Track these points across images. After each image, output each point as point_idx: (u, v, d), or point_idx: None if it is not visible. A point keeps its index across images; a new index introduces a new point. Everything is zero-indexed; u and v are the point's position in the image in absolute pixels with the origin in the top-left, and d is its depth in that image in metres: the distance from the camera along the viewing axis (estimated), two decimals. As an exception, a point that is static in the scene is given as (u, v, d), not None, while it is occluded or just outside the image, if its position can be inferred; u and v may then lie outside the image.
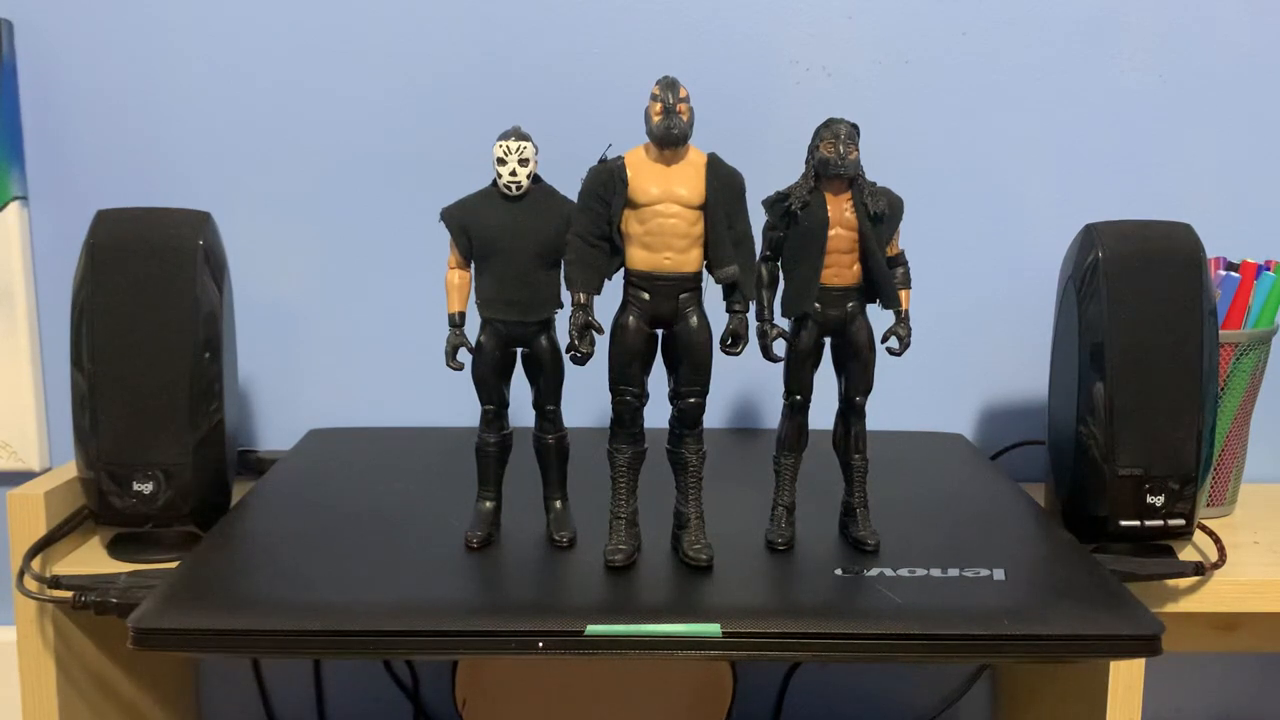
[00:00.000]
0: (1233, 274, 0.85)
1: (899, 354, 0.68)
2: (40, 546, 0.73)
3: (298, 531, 0.72)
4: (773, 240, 0.67)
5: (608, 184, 0.63)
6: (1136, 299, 0.74)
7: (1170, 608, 0.75)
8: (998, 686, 1.02)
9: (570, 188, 0.65)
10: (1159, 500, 0.74)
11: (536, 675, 0.87)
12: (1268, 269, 0.85)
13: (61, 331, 0.82)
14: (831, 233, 0.65)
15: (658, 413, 0.67)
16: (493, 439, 0.70)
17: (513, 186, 0.65)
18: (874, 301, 0.67)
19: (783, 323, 0.68)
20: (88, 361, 0.72)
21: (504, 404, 0.70)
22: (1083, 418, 0.75)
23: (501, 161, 0.65)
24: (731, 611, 0.61)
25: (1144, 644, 0.61)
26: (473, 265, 0.67)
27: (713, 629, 0.60)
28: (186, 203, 0.79)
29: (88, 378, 0.72)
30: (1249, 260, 0.86)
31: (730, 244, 0.63)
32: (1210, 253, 0.78)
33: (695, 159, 0.63)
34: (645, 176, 0.63)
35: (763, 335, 0.67)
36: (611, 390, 0.65)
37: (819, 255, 0.65)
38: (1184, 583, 0.75)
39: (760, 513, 0.71)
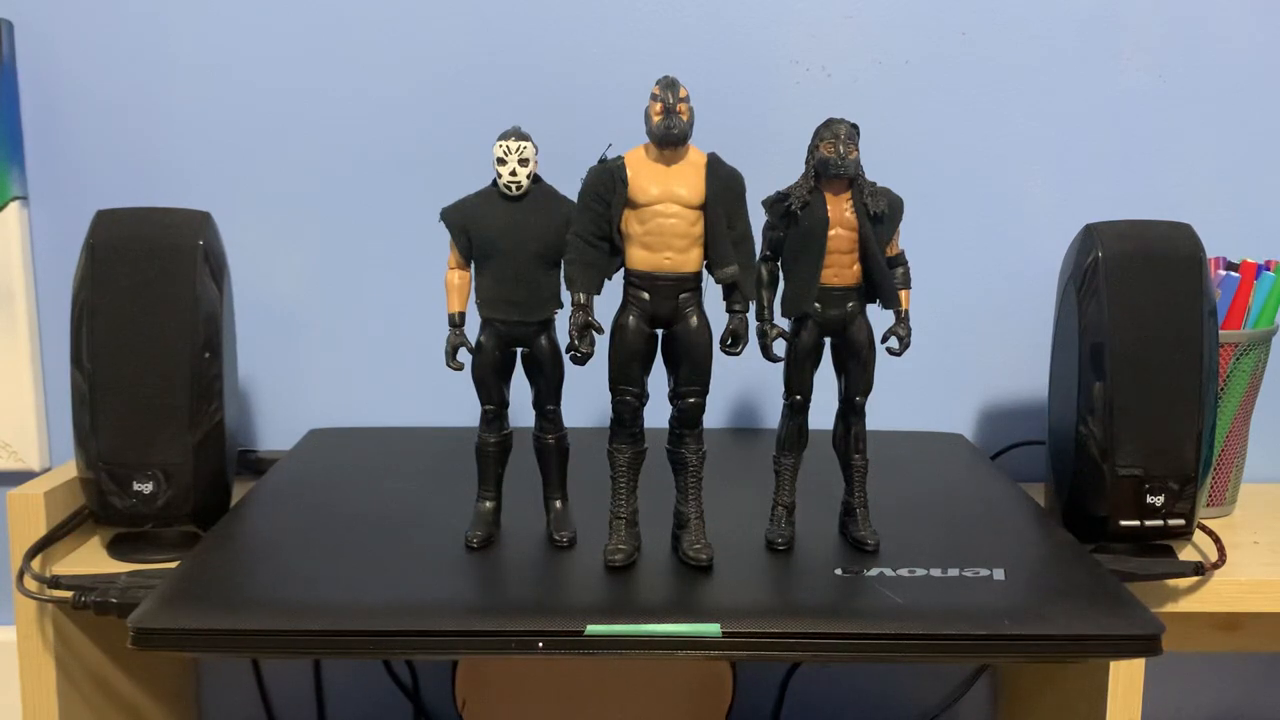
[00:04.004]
0: (1233, 274, 0.85)
1: (899, 354, 0.68)
2: (40, 546, 0.73)
3: (298, 531, 0.72)
4: (773, 240, 0.67)
5: (608, 184, 0.63)
6: (1136, 299, 0.74)
7: (1170, 608, 0.75)
8: (998, 686, 1.02)
9: (570, 188, 0.66)
10: (1159, 500, 0.74)
11: (536, 675, 0.87)
12: (1268, 269, 0.85)
13: (61, 331, 0.82)
14: (831, 233, 0.65)
15: (658, 413, 0.67)
16: (493, 439, 0.70)
17: (513, 186, 0.65)
18: (874, 301, 0.67)
19: (783, 323, 0.68)
20: (88, 361, 0.72)
21: (504, 404, 0.70)
22: (1083, 418, 0.75)
23: (501, 161, 0.65)
24: (731, 611, 0.61)
25: (1144, 644, 0.61)
26: (473, 265, 0.67)
27: (713, 629, 0.60)
28: (186, 203, 0.79)
29: (88, 378, 0.72)
30: (1249, 260, 0.86)
31: (730, 244, 0.63)
32: (1210, 253, 0.78)
33: (695, 159, 0.63)
34: (645, 176, 0.63)
35: (763, 335, 0.67)
36: (611, 390, 0.65)
37: (819, 255, 0.65)
38: (1184, 583, 0.75)
39: (760, 513, 0.71)
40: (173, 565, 0.68)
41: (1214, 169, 0.97)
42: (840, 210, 0.65)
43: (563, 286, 0.65)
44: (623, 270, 0.64)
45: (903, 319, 0.67)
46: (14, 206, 0.94)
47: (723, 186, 0.63)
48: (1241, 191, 0.98)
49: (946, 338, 0.99)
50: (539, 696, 0.87)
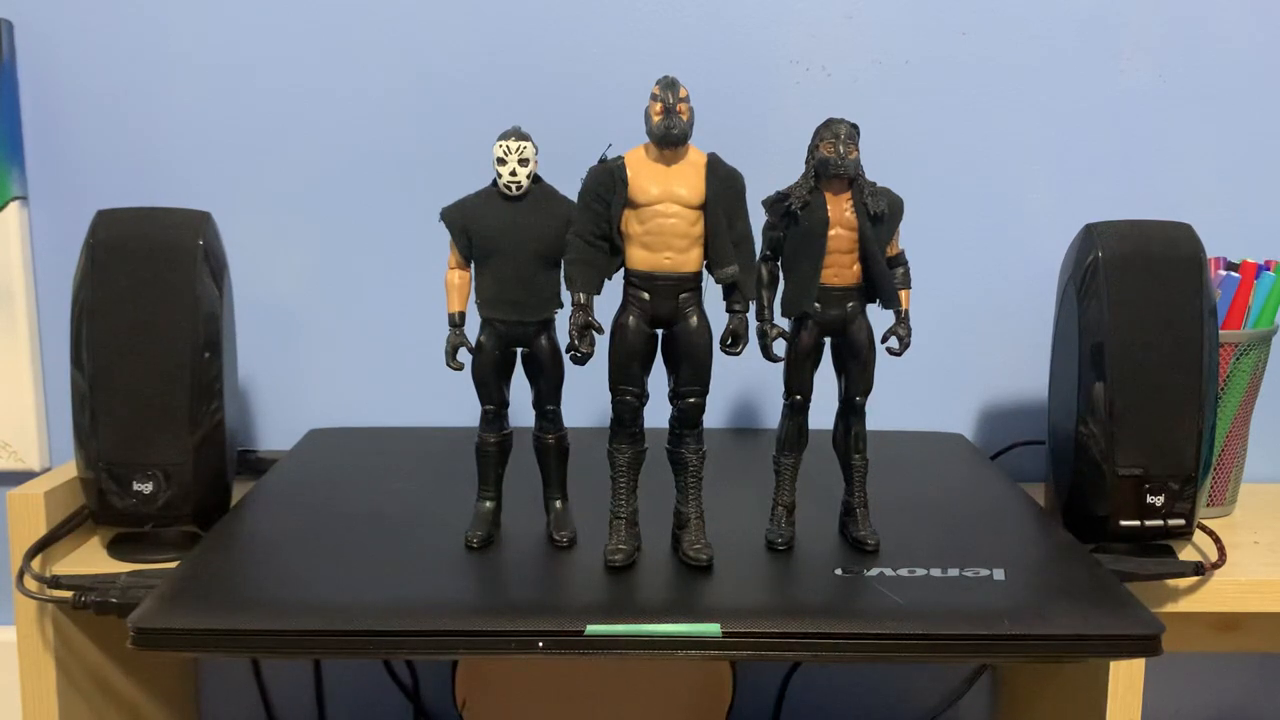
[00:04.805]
0: (1233, 274, 0.85)
1: (899, 354, 0.68)
2: (40, 546, 0.73)
3: (298, 531, 0.72)
4: (773, 240, 0.67)
5: (608, 184, 0.63)
6: (1136, 299, 0.74)
7: (1170, 608, 0.75)
8: (998, 686, 1.02)
9: (570, 188, 0.66)
10: (1159, 500, 0.74)
11: (536, 675, 0.87)
12: (1268, 269, 0.85)
13: (61, 331, 0.82)
14: (831, 233, 0.65)
15: (658, 413, 0.67)
16: (493, 439, 0.70)
17: (513, 186, 0.65)
18: (874, 301, 0.67)
19: (783, 323, 0.68)
20: (88, 361, 0.72)
21: (504, 404, 0.70)
22: (1083, 418, 0.75)
23: (501, 161, 0.65)
24: (731, 611, 0.61)
25: (1144, 644, 0.61)
26: (473, 265, 0.67)
27: (713, 629, 0.60)
28: (186, 203, 0.79)
29: (88, 378, 0.72)
30: (1249, 260, 0.86)
31: (730, 244, 0.63)
32: (1210, 253, 0.78)
33: (695, 159, 0.63)
34: (645, 176, 0.63)
35: (763, 335, 0.67)
36: (611, 390, 0.65)
37: (819, 255, 0.65)
38: (1184, 583, 0.75)
39: (760, 513, 0.71)
40: (173, 565, 0.68)
41: (1214, 169, 0.97)
42: (840, 210, 0.65)
43: (563, 286, 0.66)
44: (623, 270, 0.64)
45: (903, 319, 0.67)
46: (14, 206, 0.94)
47: (723, 186, 0.63)
48: (1241, 191, 0.98)
49: (946, 338, 0.99)
50: (539, 696, 0.87)
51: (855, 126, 0.65)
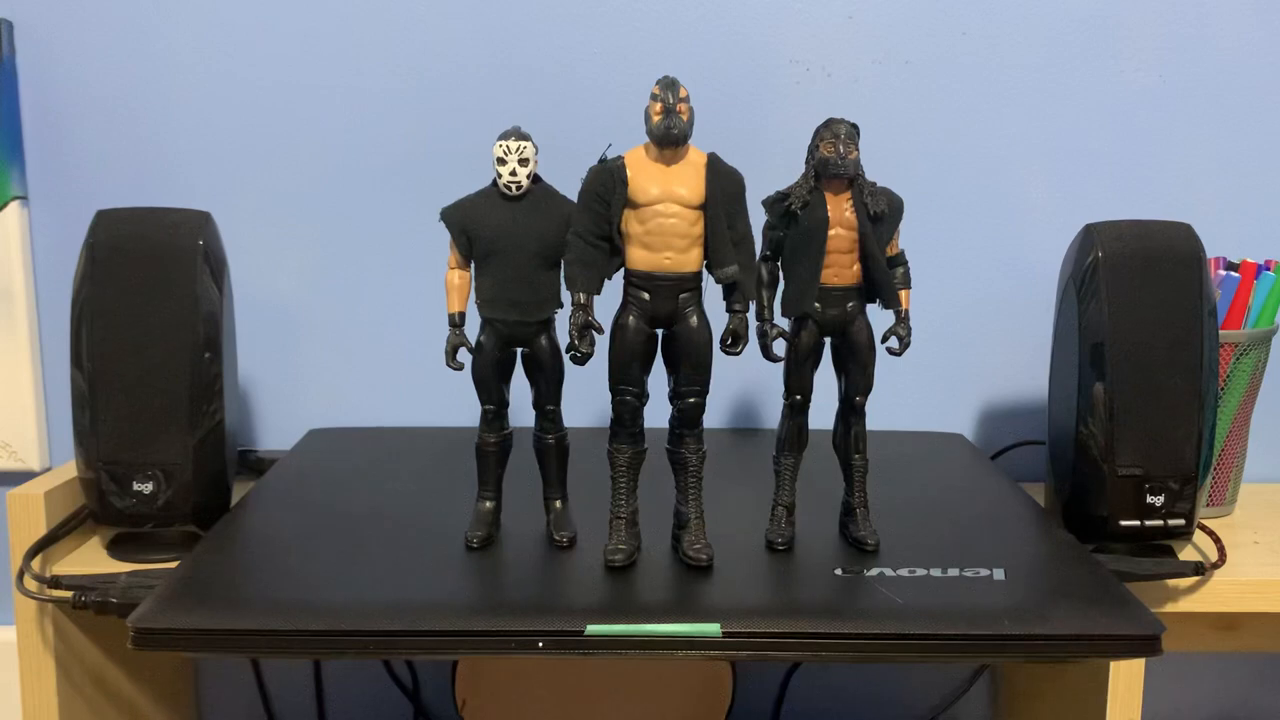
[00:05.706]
0: (1233, 274, 0.85)
1: (899, 354, 0.68)
2: (40, 546, 0.73)
3: (298, 531, 0.72)
4: (773, 240, 0.67)
5: (607, 184, 0.63)
6: (1136, 299, 0.74)
7: (1170, 608, 0.75)
8: (998, 686, 1.02)
9: (570, 188, 0.66)
10: (1159, 500, 0.74)
11: (536, 675, 0.87)
12: (1268, 269, 0.85)
13: (61, 331, 0.82)
14: (831, 233, 0.65)
15: (658, 413, 0.67)
16: (493, 439, 0.70)
17: (513, 186, 0.65)
18: (874, 301, 0.67)
19: (783, 323, 0.68)
20: (88, 361, 0.72)
21: (504, 404, 0.70)
22: (1083, 418, 0.75)
23: (501, 161, 0.65)
24: (731, 611, 0.61)
25: (1144, 644, 0.61)
26: (473, 265, 0.67)
27: (713, 629, 0.60)
28: (186, 203, 0.79)
29: (88, 378, 0.72)
30: (1249, 260, 0.86)
31: (730, 244, 0.63)
32: (1210, 253, 0.78)
33: (695, 159, 0.63)
34: (645, 176, 0.63)
35: (763, 335, 0.67)
36: (611, 390, 0.65)
37: (819, 255, 0.65)
38: (1184, 583, 0.75)
39: (760, 513, 0.71)
40: (173, 565, 0.68)
41: (1214, 169, 0.97)
42: (840, 210, 0.65)
43: (563, 286, 0.66)
44: (623, 270, 0.65)
45: (903, 319, 0.67)
46: (14, 206, 0.94)
47: (723, 186, 0.63)
48: (1241, 191, 0.98)
49: (946, 338, 0.99)
50: (539, 696, 0.87)
51: (855, 126, 0.65)
